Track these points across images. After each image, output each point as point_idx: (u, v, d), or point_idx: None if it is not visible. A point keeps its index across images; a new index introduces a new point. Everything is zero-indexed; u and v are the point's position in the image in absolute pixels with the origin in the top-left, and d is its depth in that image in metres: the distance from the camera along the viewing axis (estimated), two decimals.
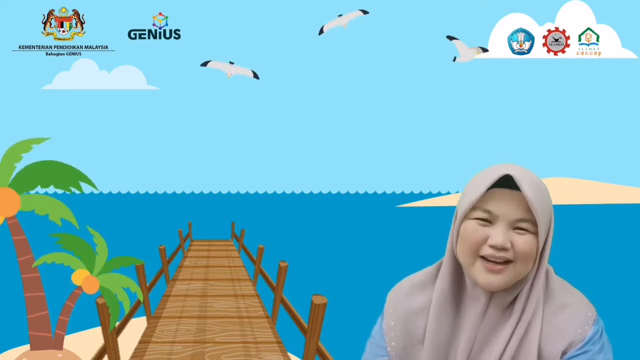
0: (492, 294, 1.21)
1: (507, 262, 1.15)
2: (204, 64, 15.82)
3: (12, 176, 6.51)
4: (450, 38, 14.43)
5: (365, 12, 15.37)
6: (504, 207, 1.16)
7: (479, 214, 1.17)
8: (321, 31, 15.39)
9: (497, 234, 1.15)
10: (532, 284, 1.19)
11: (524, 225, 1.15)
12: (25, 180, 6.51)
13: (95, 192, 7.01)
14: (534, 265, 1.17)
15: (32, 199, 6.55)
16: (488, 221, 1.17)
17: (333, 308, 5.71)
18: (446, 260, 1.26)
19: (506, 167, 1.17)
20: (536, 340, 1.17)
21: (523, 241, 1.15)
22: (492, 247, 1.15)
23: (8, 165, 6.49)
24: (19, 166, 6.54)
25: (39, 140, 6.59)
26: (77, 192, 6.64)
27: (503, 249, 1.14)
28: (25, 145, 6.54)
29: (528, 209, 1.14)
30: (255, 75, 16.00)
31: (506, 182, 1.17)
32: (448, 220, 1.25)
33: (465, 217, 1.19)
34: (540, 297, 1.19)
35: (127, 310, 6.57)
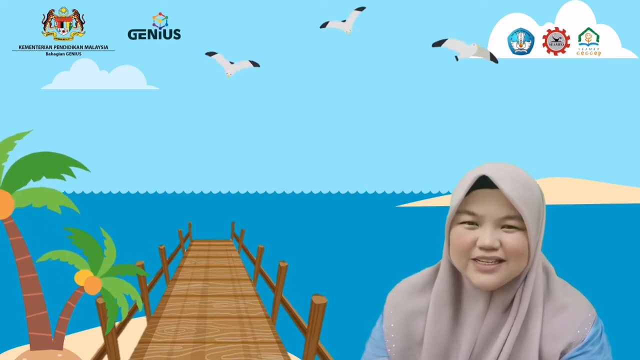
0: (491, 295, 1.21)
1: (500, 261, 1.15)
2: (210, 54, 15.82)
3: (2, 177, 6.42)
4: (438, 44, 14.28)
5: (361, 9, 15.37)
6: (487, 207, 1.16)
7: (465, 217, 1.18)
8: (324, 25, 15.38)
9: (485, 235, 1.15)
10: (524, 281, 1.19)
11: (511, 222, 1.15)
12: (15, 178, 6.42)
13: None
14: (528, 262, 1.17)
15: (26, 194, 6.46)
16: (475, 224, 1.17)
17: (333, 308, 5.71)
18: (443, 263, 1.26)
19: (486, 167, 1.17)
20: (537, 341, 1.17)
21: (512, 239, 1.14)
22: (481, 248, 1.15)
23: None
24: (7, 165, 6.44)
25: (20, 136, 6.46)
26: (70, 178, 6.52)
27: (492, 249, 1.14)
28: (8, 143, 6.41)
29: (512, 207, 1.14)
30: (255, 64, 15.99)
31: (488, 182, 1.17)
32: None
33: (453, 222, 1.20)
34: (538, 296, 1.19)
35: (124, 316, 6.54)
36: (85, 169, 6.63)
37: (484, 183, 1.17)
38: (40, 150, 6.60)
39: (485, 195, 1.16)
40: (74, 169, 6.59)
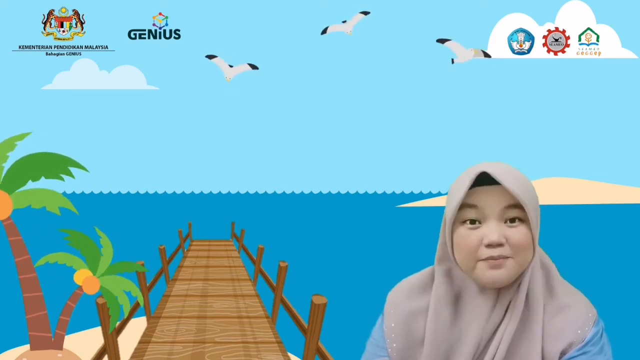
0: (498, 293, 1.20)
1: (507, 258, 1.15)
2: (210, 57, 15.83)
3: (1, 177, 6.41)
4: (442, 41, 14.35)
5: (366, 13, 15.41)
6: (489, 200, 1.16)
7: (467, 213, 1.17)
8: (324, 31, 15.41)
9: (490, 231, 1.14)
10: (521, 275, 1.19)
11: (513, 213, 1.15)
12: (14, 179, 6.40)
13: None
14: (534, 254, 1.17)
15: (25, 195, 6.45)
16: (477, 221, 1.17)
17: (333, 308, 5.71)
18: (437, 267, 1.26)
19: (484, 165, 1.18)
20: (539, 341, 1.16)
21: (517, 233, 1.14)
22: (488, 246, 1.14)
23: None
24: (6, 166, 6.43)
25: (21, 137, 6.46)
26: (70, 178, 6.51)
27: (499, 245, 1.14)
28: (9, 144, 6.40)
29: (513, 198, 1.15)
30: (253, 67, 16.01)
31: (487, 180, 1.17)
32: None
33: (455, 220, 1.19)
34: (538, 293, 1.19)
35: (126, 312, 6.55)
36: (84, 169, 6.61)
37: (481, 182, 1.17)
38: (40, 151, 6.59)
39: (485, 190, 1.17)
40: (73, 170, 6.58)
